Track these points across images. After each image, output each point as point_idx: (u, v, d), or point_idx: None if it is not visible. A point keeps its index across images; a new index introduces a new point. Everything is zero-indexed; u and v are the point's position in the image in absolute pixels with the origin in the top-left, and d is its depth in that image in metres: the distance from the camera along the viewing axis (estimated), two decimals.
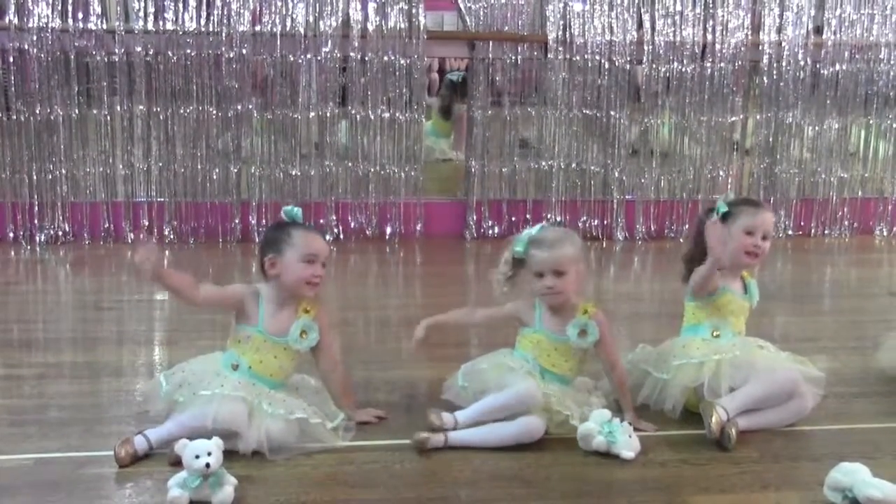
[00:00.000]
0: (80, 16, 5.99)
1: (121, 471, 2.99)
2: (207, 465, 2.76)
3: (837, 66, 6.74)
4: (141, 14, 6.04)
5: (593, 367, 3.53)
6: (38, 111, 6.06)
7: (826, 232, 7.01)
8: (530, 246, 3.35)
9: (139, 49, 6.05)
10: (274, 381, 3.27)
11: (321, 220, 6.34)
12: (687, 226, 6.67)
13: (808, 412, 3.47)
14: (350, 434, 3.28)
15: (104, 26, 6.03)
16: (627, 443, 3.18)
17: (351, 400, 3.43)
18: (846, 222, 7.03)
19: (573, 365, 3.44)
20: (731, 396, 3.34)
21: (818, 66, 6.75)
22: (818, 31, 6.75)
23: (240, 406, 3.09)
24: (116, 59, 6.05)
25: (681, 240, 6.63)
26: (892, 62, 6.77)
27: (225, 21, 6.09)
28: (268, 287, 3.32)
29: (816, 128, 6.85)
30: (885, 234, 7.05)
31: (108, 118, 6.16)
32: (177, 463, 2.94)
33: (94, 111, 6.15)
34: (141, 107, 6.13)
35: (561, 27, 6.42)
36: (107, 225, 6.26)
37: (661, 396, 3.51)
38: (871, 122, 6.91)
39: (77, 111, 6.12)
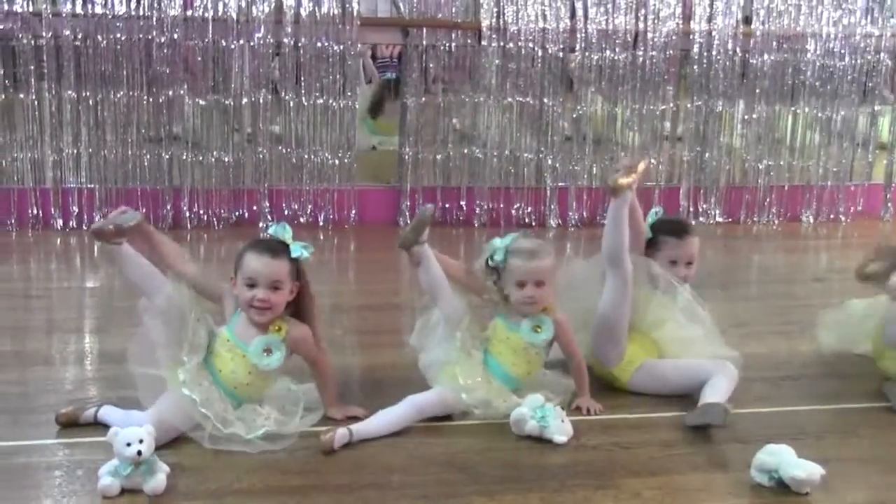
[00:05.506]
0: None
1: (51, 460, 2.95)
2: (139, 453, 2.73)
3: (766, 56, 6.85)
4: None
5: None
6: None
7: (755, 219, 7.11)
8: (509, 255, 3.39)
9: (67, 33, 5.94)
10: (237, 395, 3.17)
11: (254, 208, 6.30)
12: None
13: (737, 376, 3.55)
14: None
15: (31, 9, 5.91)
16: (560, 427, 3.21)
17: (333, 399, 3.35)
18: (774, 210, 7.13)
19: (517, 360, 3.44)
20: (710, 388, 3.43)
21: (747, 55, 6.85)
22: (747, 21, 6.84)
23: (192, 411, 3.04)
24: (44, 43, 5.94)
25: None
26: (818, 52, 6.88)
27: (156, 5, 6.01)
28: None
29: (745, 116, 6.95)
30: (811, 221, 7.17)
31: (36, 103, 6.04)
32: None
33: (21, 95, 6.03)
34: (70, 91, 6.02)
35: (494, 14, 6.43)
36: (35, 212, 6.14)
37: None
38: (797, 111, 7.02)
39: (3, 95, 6.01)
